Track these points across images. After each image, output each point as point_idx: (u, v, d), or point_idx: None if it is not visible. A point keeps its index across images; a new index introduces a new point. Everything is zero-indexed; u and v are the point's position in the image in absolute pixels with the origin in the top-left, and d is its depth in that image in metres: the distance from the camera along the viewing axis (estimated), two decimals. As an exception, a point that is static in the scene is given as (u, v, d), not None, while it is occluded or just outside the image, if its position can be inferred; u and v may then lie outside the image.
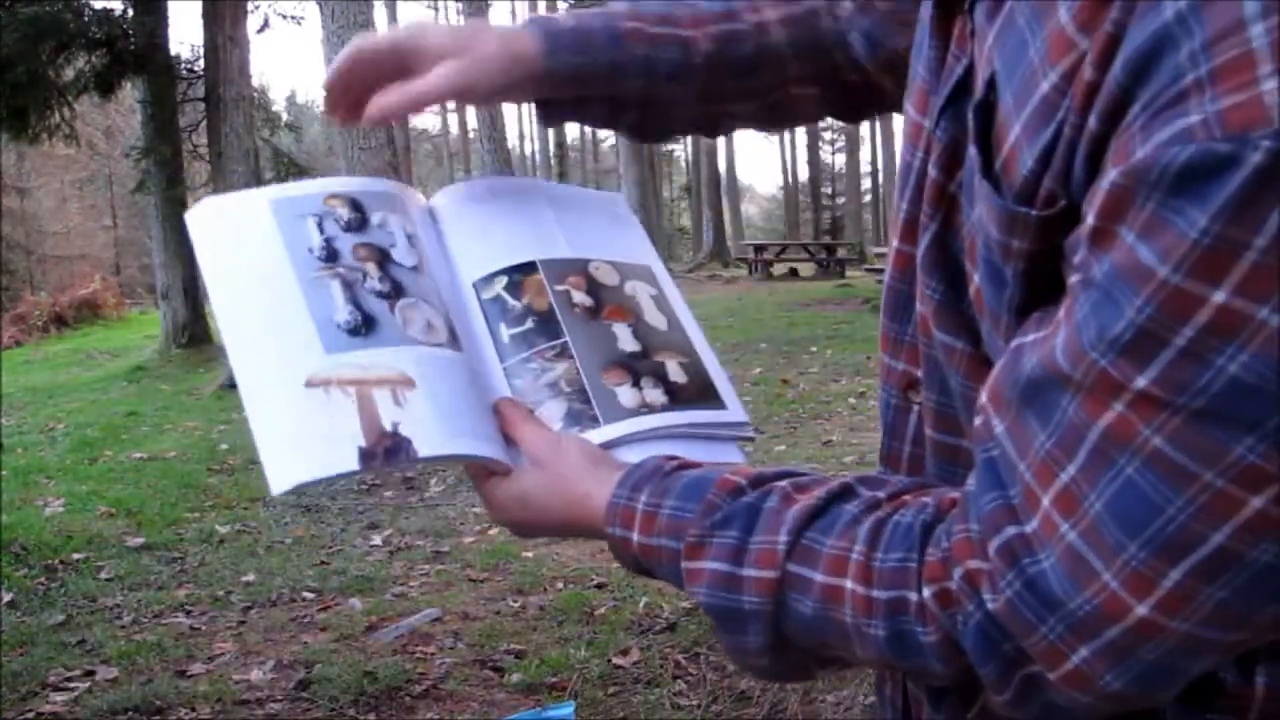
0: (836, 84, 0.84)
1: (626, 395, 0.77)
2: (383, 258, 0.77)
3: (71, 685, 3.04)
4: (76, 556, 4.25)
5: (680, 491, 0.63)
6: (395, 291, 0.76)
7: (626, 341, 0.80)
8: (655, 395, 0.77)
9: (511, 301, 0.80)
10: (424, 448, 0.68)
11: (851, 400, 7.08)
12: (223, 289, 0.74)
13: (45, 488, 5.54)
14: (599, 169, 40.75)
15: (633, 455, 0.73)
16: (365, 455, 0.67)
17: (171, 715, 2.84)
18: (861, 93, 0.84)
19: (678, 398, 0.78)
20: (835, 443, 5.83)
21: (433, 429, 0.69)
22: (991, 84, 0.51)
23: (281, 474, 0.66)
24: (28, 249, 24.26)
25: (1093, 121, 0.44)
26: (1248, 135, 0.37)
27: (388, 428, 0.68)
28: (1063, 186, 0.46)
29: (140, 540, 4.48)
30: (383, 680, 2.96)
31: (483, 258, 0.83)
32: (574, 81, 0.78)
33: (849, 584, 0.55)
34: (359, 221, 0.78)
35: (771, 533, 0.59)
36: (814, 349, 9.24)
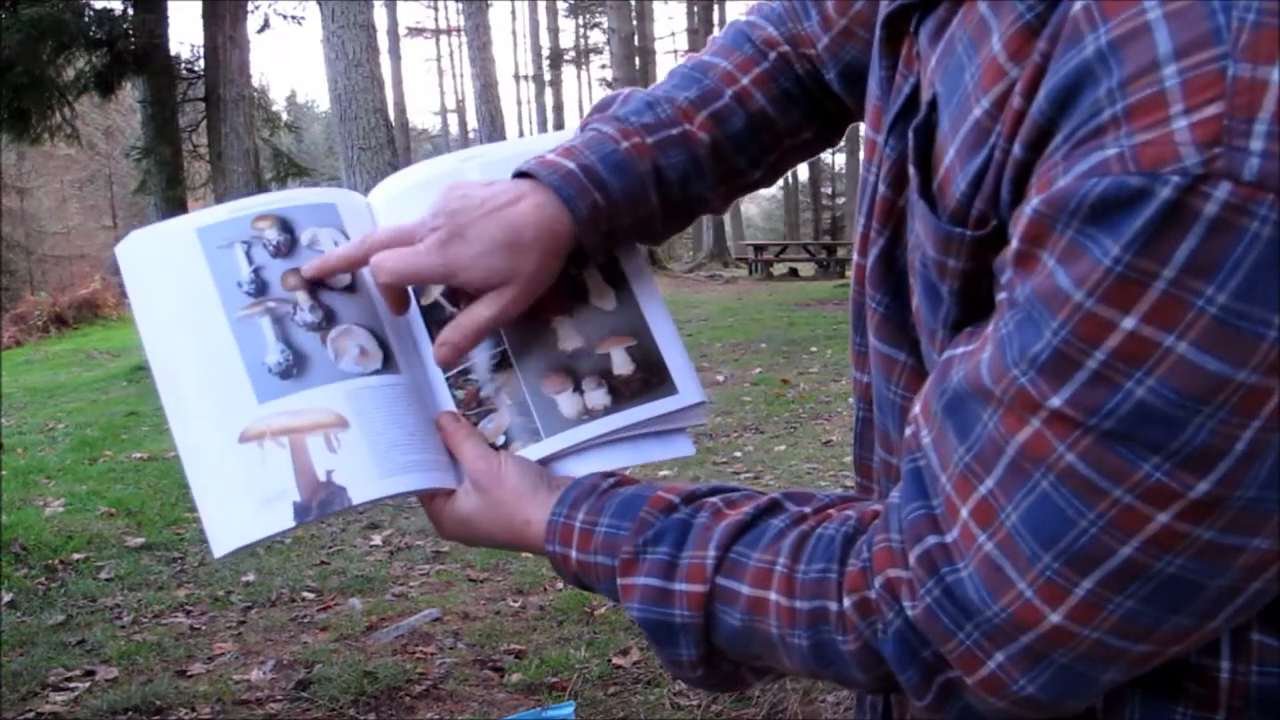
0: (821, 119, 0.83)
1: (567, 403, 0.76)
2: (313, 283, 0.76)
3: (71, 685, 3.04)
4: (76, 556, 4.25)
5: (615, 509, 0.65)
6: (327, 319, 0.75)
7: (568, 338, 0.78)
8: (597, 398, 0.76)
9: (449, 308, 0.78)
10: (358, 494, 0.69)
11: (851, 400, 7.06)
12: (152, 333, 0.74)
13: (45, 488, 5.54)
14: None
15: (577, 465, 0.75)
16: (300, 510, 0.68)
17: (171, 715, 2.84)
18: (844, 116, 0.84)
19: (621, 395, 0.77)
20: (835, 443, 5.83)
21: (367, 472, 0.70)
22: (933, 105, 0.53)
23: (221, 539, 0.68)
24: (28, 249, 24.26)
25: (1018, 149, 0.46)
26: (1158, 171, 0.39)
27: (321, 477, 0.69)
28: (993, 208, 0.48)
29: (140, 540, 4.48)
30: (383, 680, 2.96)
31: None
32: (600, 222, 0.74)
33: (773, 595, 0.57)
34: (288, 244, 0.77)
35: (701, 548, 0.61)
36: (814, 349, 9.24)
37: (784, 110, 0.80)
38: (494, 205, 0.71)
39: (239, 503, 0.69)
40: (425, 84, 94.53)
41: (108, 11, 10.59)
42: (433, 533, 4.42)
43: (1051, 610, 0.47)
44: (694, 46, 28.84)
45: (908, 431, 0.55)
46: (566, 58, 38.19)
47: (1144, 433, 0.42)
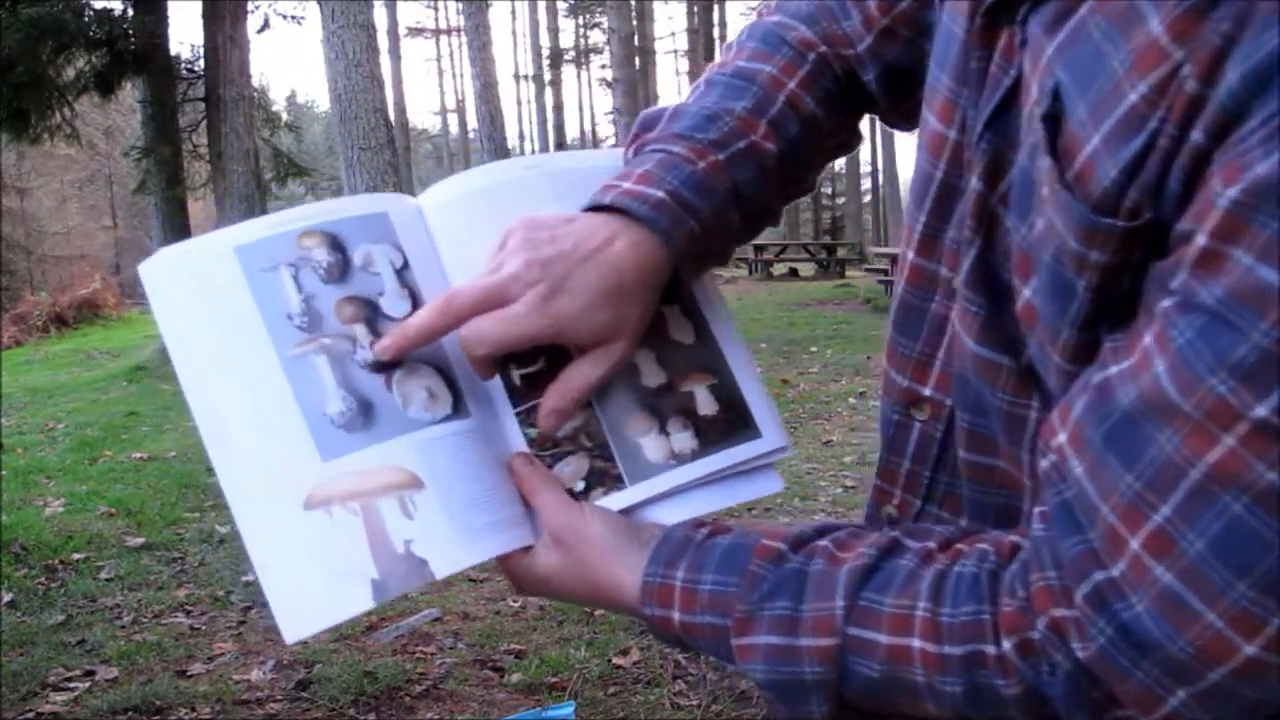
0: (854, 120, 0.82)
1: (653, 447, 0.71)
2: (372, 313, 0.68)
3: (71, 685, 3.04)
4: (76, 556, 4.25)
5: (718, 563, 0.61)
6: (390, 359, 0.67)
7: (650, 374, 0.72)
8: (683, 441, 0.71)
9: None
10: (440, 566, 0.63)
11: (851, 400, 7.08)
12: (195, 374, 0.65)
13: (45, 488, 5.54)
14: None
15: (663, 512, 0.70)
16: (379, 588, 0.61)
17: (171, 715, 2.84)
18: (865, 110, 0.83)
19: (708, 438, 0.72)
20: (835, 443, 5.83)
21: (449, 539, 0.64)
22: (1057, 94, 0.50)
23: (293, 625, 0.61)
24: (28, 249, 24.27)
25: (1196, 134, 0.42)
26: None
27: (399, 549, 0.62)
28: (1150, 199, 0.45)
29: (140, 540, 4.48)
30: (383, 680, 2.96)
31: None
32: (695, 251, 0.69)
33: (916, 642, 0.54)
34: (340, 267, 0.68)
35: (825, 598, 0.57)
36: (814, 349, 9.24)
37: (829, 112, 0.77)
38: (589, 249, 0.65)
39: (310, 581, 0.61)
40: (425, 84, 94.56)
41: (108, 11, 10.59)
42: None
43: (1247, 642, 0.44)
44: (694, 46, 28.85)
45: (1045, 462, 0.51)
46: (566, 58, 38.22)
47: None
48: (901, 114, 0.80)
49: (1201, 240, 0.42)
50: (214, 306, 0.66)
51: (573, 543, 0.65)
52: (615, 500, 0.69)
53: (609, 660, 3.06)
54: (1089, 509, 0.48)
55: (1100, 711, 0.49)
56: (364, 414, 0.65)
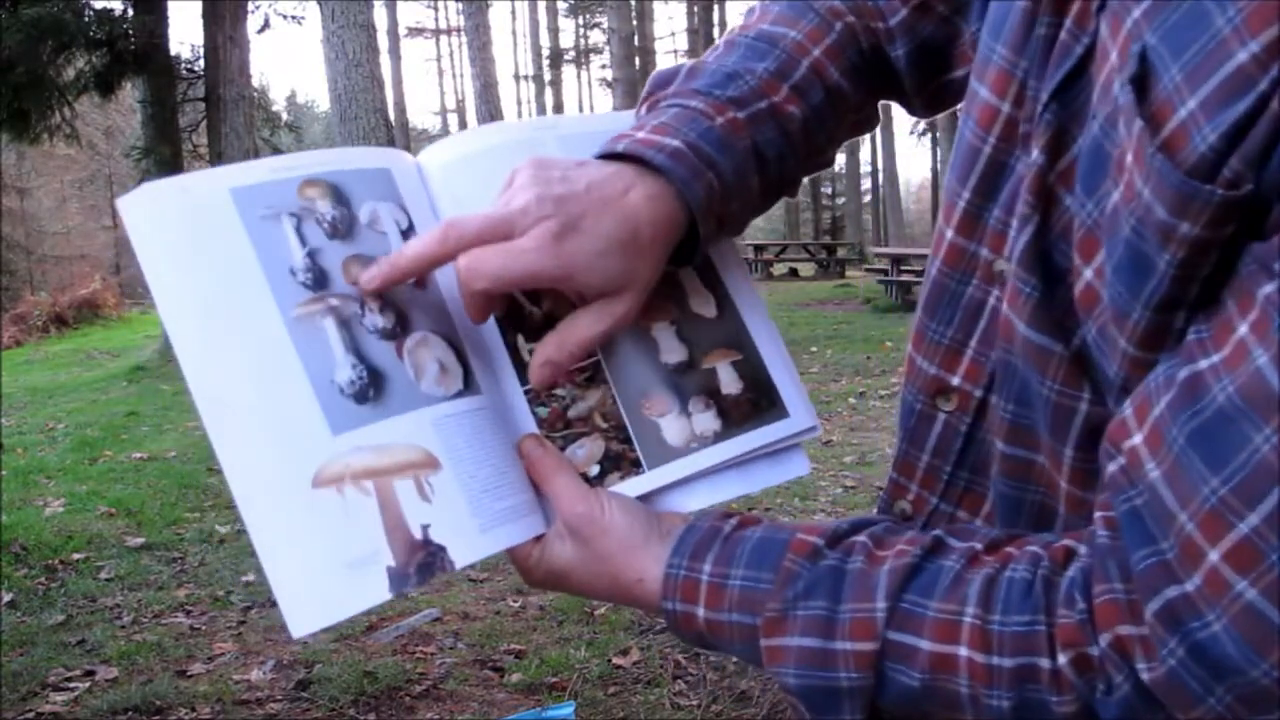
0: (876, 97, 0.78)
1: (673, 429, 0.66)
2: None
3: (71, 685, 3.04)
4: (76, 556, 4.25)
5: (749, 558, 0.57)
6: (400, 325, 0.61)
7: (670, 350, 0.67)
8: (706, 422, 0.66)
9: (530, 307, 0.66)
10: (459, 555, 0.58)
11: (851, 400, 7.08)
12: (187, 331, 0.57)
13: (45, 488, 5.54)
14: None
15: (683, 497, 0.66)
16: (396, 580, 0.56)
17: (171, 715, 2.84)
18: (887, 91, 0.78)
19: (731, 419, 0.67)
20: (835, 443, 5.83)
21: (466, 525, 0.59)
22: (1144, 57, 0.46)
23: (301, 616, 0.55)
24: (28, 249, 24.26)
25: None
26: None
27: (418, 535, 0.57)
28: (1253, 169, 0.41)
29: (140, 540, 4.48)
30: (383, 680, 2.96)
31: None
32: (714, 209, 0.65)
33: (963, 651, 0.50)
34: (346, 222, 0.62)
35: (864, 599, 0.53)
36: (814, 349, 9.24)
37: (853, 85, 0.73)
38: (604, 194, 0.60)
39: (320, 569, 0.55)
40: (425, 84, 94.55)
41: (108, 11, 10.59)
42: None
43: None
44: (694, 46, 28.85)
45: (1112, 466, 0.47)
46: (566, 58, 38.22)
47: None
48: (925, 97, 0.76)
49: None
50: (208, 254, 0.58)
51: (590, 534, 0.61)
52: (632, 486, 0.64)
53: (609, 660, 3.06)
54: (1164, 517, 0.44)
55: None
56: (375, 384, 0.59)
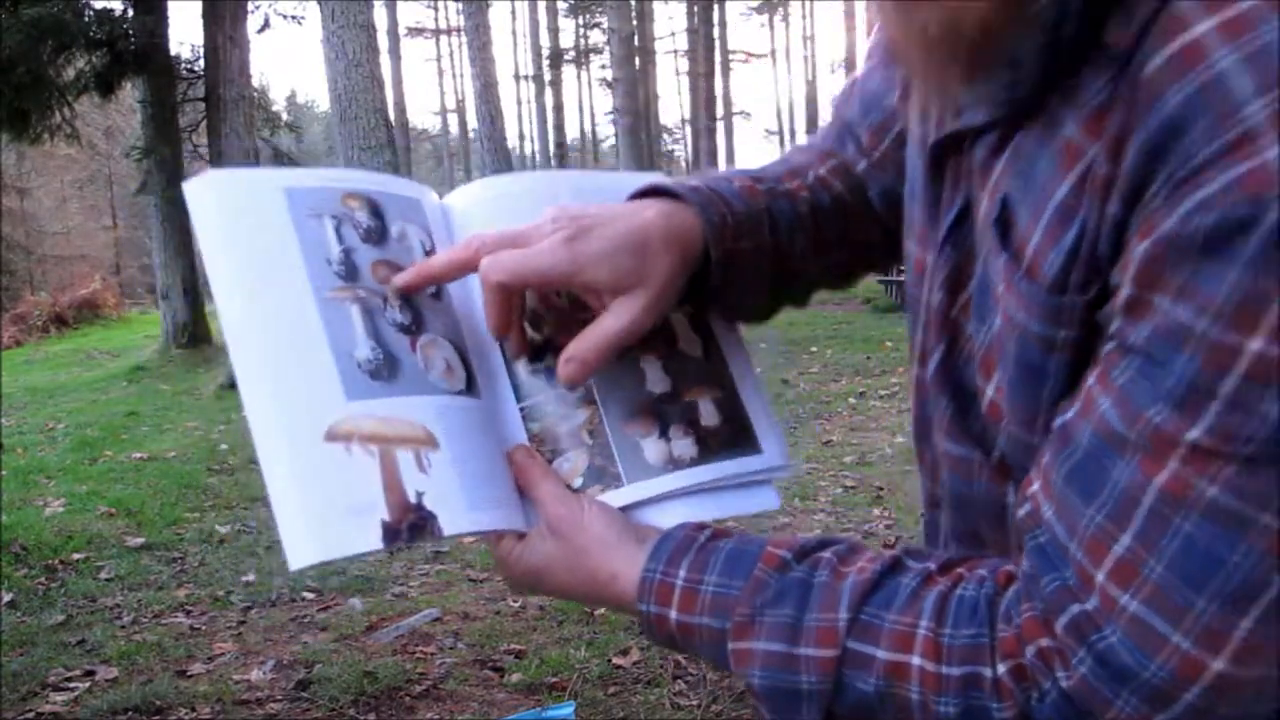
0: (873, 225, 0.85)
1: (653, 450, 0.71)
2: None
3: (71, 685, 3.04)
4: (76, 556, 4.25)
5: (722, 566, 0.62)
6: (416, 325, 0.69)
7: (655, 381, 0.73)
8: (684, 448, 0.72)
9: (531, 333, 0.73)
10: (448, 525, 0.63)
11: (851, 400, 7.08)
12: (229, 292, 0.65)
13: (45, 488, 5.55)
14: (599, 169, 40.74)
15: (657, 514, 0.70)
16: (389, 533, 0.61)
17: (171, 715, 2.84)
18: (875, 230, 0.84)
19: (708, 447, 0.72)
20: (835, 443, 5.84)
21: (457, 502, 0.64)
22: (1005, 204, 0.56)
23: (299, 551, 0.61)
24: (28, 249, 24.26)
25: (1113, 207, 0.48)
26: (1261, 197, 0.42)
27: (411, 499, 0.63)
28: (1094, 272, 0.50)
29: (140, 540, 4.49)
30: (383, 680, 2.96)
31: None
32: (727, 234, 0.71)
33: (916, 660, 0.55)
34: (379, 232, 0.70)
35: (829, 609, 0.58)
36: (814, 349, 9.24)
37: (857, 202, 0.82)
38: (618, 210, 0.67)
39: (323, 510, 0.61)
40: (425, 84, 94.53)
41: (108, 11, 10.59)
42: (433, 533, 4.42)
43: (1214, 658, 0.46)
44: (694, 46, 28.86)
45: (1022, 511, 0.54)
46: (566, 58, 38.22)
47: None
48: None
49: (1127, 290, 0.47)
50: (259, 234, 0.67)
51: (570, 533, 0.66)
52: (611, 497, 0.69)
53: (609, 660, 3.06)
54: (1060, 548, 0.51)
55: None
56: (389, 366, 0.66)
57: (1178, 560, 0.46)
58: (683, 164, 40.92)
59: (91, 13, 10.36)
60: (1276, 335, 0.42)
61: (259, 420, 0.63)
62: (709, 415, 0.73)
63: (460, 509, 0.64)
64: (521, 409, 0.72)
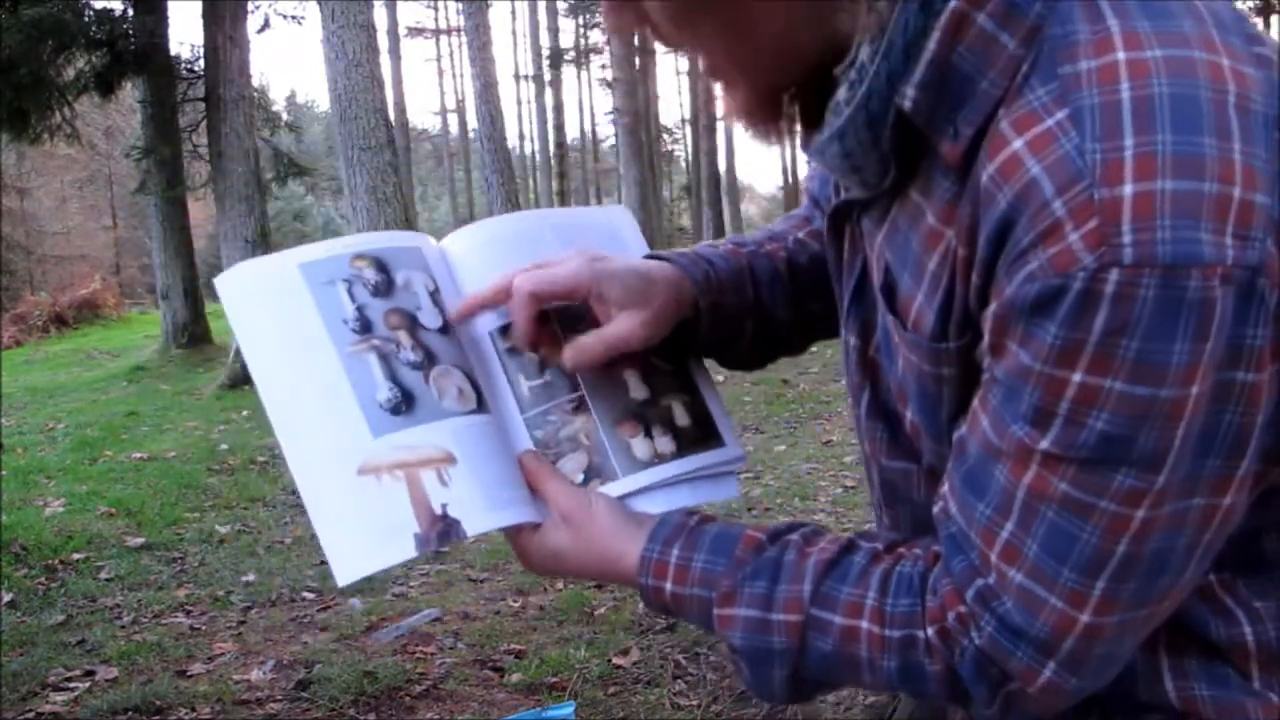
0: None
1: (640, 447, 0.84)
2: (412, 323, 0.82)
3: (71, 685, 3.04)
4: (76, 556, 4.25)
5: (709, 546, 0.75)
6: (428, 360, 0.81)
7: (637, 389, 0.87)
8: (665, 444, 0.86)
9: (529, 353, 0.86)
10: (471, 527, 0.75)
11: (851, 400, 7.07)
12: (263, 364, 0.78)
13: (45, 488, 5.54)
14: (599, 169, 40.74)
15: (645, 503, 0.83)
16: (421, 541, 0.74)
17: (171, 715, 2.84)
18: None
19: (684, 443, 0.86)
20: (835, 443, 5.83)
21: (477, 505, 0.76)
22: (888, 270, 0.71)
23: (347, 568, 0.73)
24: (28, 249, 24.26)
25: (975, 279, 0.62)
26: (1069, 271, 0.55)
27: (437, 510, 0.75)
28: (967, 324, 0.64)
29: (140, 540, 4.48)
30: (383, 680, 2.96)
31: (499, 308, 0.86)
32: (711, 290, 0.88)
33: (865, 624, 0.68)
34: (386, 285, 0.82)
35: (795, 582, 0.71)
36: (814, 349, 9.22)
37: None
38: (624, 258, 0.84)
39: (361, 534, 0.73)
40: (425, 84, 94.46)
41: (108, 11, 10.59)
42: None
43: (1080, 612, 0.61)
44: (694, 46, 28.73)
45: (937, 508, 0.68)
46: (566, 58, 38.15)
47: (1110, 452, 0.57)
48: None
49: (988, 338, 0.61)
50: (283, 311, 0.79)
51: (581, 520, 0.78)
52: (609, 489, 0.82)
53: (609, 660, 3.05)
54: (964, 537, 0.65)
55: (998, 686, 0.65)
56: (407, 402, 0.78)
57: (1046, 541, 0.60)
58: (683, 163, 40.90)
59: (91, 13, 10.36)
60: (1090, 369, 0.56)
61: (300, 467, 0.75)
62: (681, 416, 0.88)
63: (480, 511, 0.76)
64: (526, 420, 0.84)
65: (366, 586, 3.79)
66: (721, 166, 28.77)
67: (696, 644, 3.10)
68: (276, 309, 0.79)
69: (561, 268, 0.82)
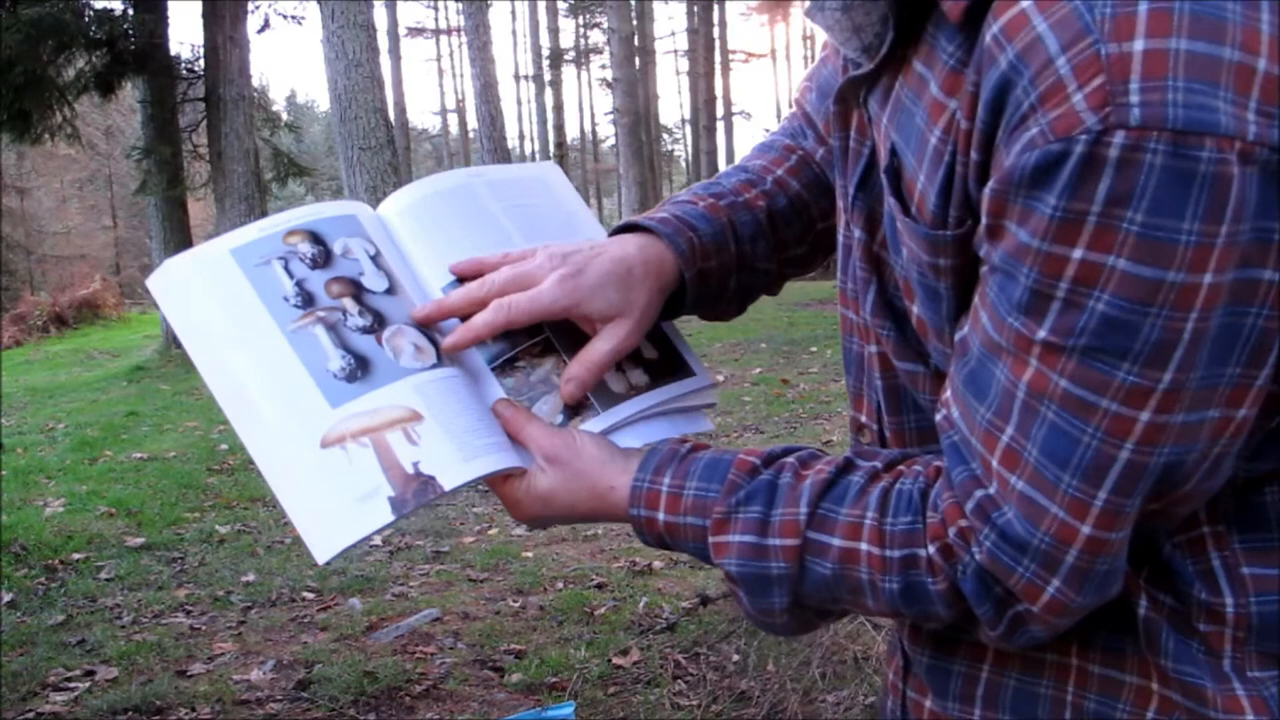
0: (833, 212, 0.93)
1: (615, 380, 0.83)
2: (356, 289, 0.79)
3: (71, 685, 3.04)
4: (76, 556, 4.25)
5: (701, 473, 0.71)
6: (378, 322, 0.78)
7: None
8: (638, 376, 0.84)
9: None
10: (448, 480, 0.72)
11: (851, 400, 7.07)
12: (207, 356, 0.75)
13: (45, 488, 5.55)
14: (599, 169, 40.73)
15: (626, 438, 0.80)
16: (397, 503, 0.70)
17: (171, 715, 2.84)
18: None
19: (655, 374, 0.85)
20: (835, 443, 5.83)
21: (451, 459, 0.73)
22: (894, 151, 0.66)
23: (323, 544, 0.69)
24: (28, 249, 24.26)
25: (974, 155, 0.58)
26: (1071, 135, 0.51)
27: (410, 470, 0.72)
28: (964, 208, 0.60)
29: (140, 540, 4.48)
30: (383, 680, 2.96)
31: (444, 265, 0.85)
32: (696, 258, 0.83)
33: (864, 546, 0.65)
34: (324, 255, 0.80)
35: (791, 505, 0.67)
36: (814, 349, 9.24)
37: (815, 196, 0.91)
38: (603, 245, 0.80)
39: (333, 506, 0.70)
40: (425, 84, 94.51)
41: (108, 11, 10.59)
42: (433, 533, 4.42)
43: (1081, 523, 0.57)
44: (694, 46, 28.84)
45: (939, 416, 0.64)
46: (566, 58, 38.17)
47: (1111, 341, 0.53)
48: None
49: (985, 219, 0.56)
50: (219, 299, 0.76)
51: (567, 458, 0.75)
52: (591, 426, 0.80)
53: (609, 660, 3.06)
54: (966, 444, 0.61)
55: (1004, 606, 0.61)
56: (362, 367, 0.75)
57: (1047, 444, 0.56)
58: (683, 164, 40.90)
59: (91, 13, 10.36)
60: (1091, 245, 0.51)
61: (261, 454, 0.72)
62: (648, 350, 0.86)
63: (455, 464, 0.73)
64: (494, 369, 0.82)
65: (366, 586, 3.80)
66: (721, 166, 28.73)
67: (696, 644, 3.10)
68: (213, 299, 0.76)
69: (539, 290, 0.78)
